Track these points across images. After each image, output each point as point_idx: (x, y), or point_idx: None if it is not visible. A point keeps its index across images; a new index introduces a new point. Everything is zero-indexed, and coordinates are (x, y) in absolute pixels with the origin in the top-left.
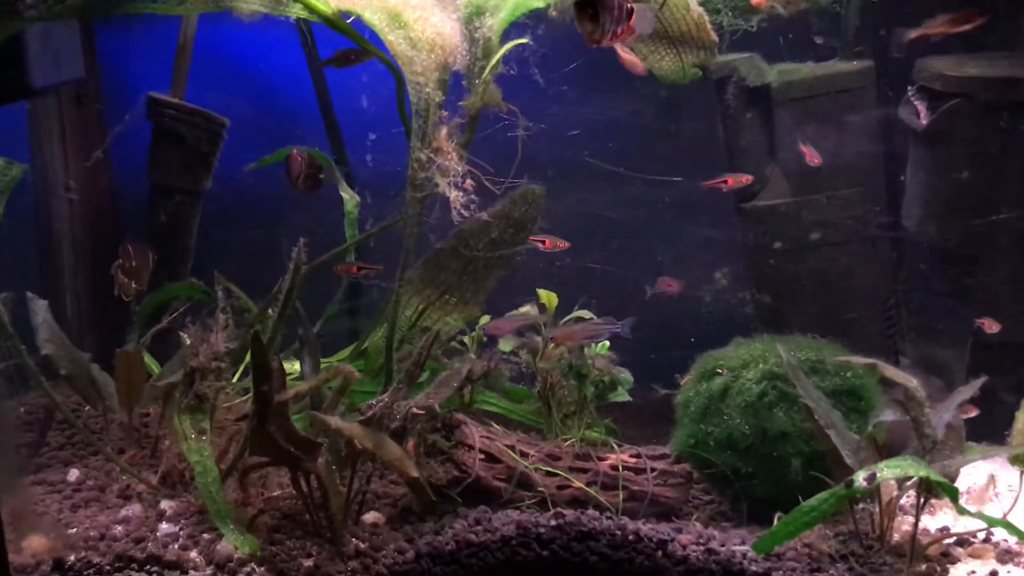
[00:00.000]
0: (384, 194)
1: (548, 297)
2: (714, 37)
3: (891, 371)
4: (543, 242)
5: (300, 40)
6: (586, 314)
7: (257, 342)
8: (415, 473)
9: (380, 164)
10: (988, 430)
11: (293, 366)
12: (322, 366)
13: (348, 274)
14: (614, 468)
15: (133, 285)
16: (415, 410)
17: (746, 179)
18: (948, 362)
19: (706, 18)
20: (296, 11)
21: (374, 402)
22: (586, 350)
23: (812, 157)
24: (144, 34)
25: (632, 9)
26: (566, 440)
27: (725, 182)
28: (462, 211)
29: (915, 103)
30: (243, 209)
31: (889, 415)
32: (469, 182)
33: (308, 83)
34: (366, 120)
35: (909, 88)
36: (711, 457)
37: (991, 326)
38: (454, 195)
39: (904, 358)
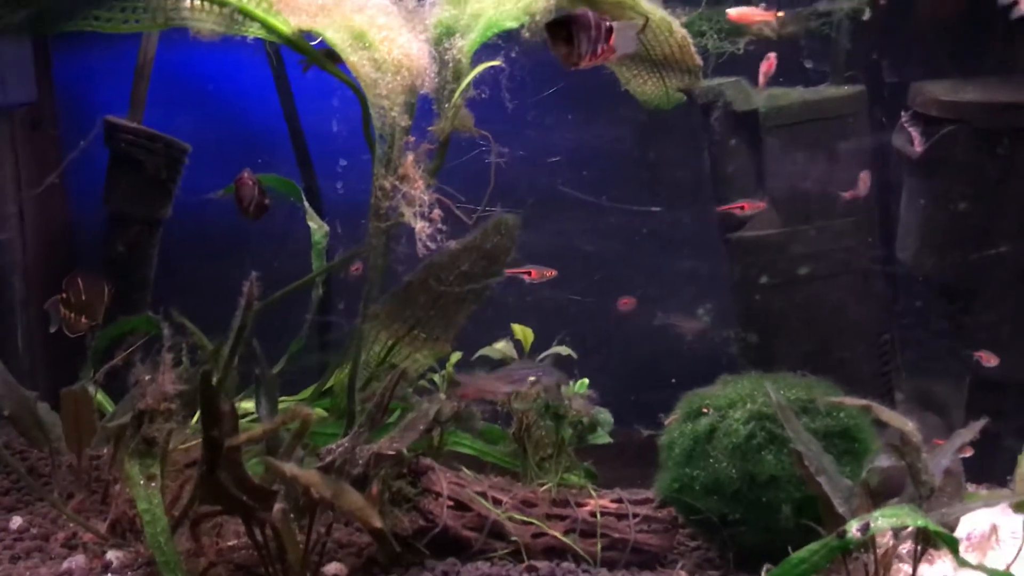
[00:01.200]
0: (355, 222)
1: (524, 333)
2: (698, 60)
3: (886, 413)
4: (528, 273)
5: (268, 61)
6: (564, 350)
7: (206, 383)
8: (378, 523)
9: (351, 191)
10: (988, 471)
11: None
12: (286, 404)
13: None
14: (594, 514)
15: (83, 320)
16: (381, 452)
17: (762, 205)
18: (945, 398)
19: (690, 40)
20: (254, 31)
21: (334, 447)
22: (564, 389)
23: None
24: (104, 56)
25: (611, 28)
26: (542, 485)
27: (741, 207)
28: (428, 243)
29: (909, 129)
30: (206, 238)
31: (884, 460)
32: (437, 212)
33: (277, 106)
34: (337, 145)
35: (903, 114)
36: (696, 503)
37: (988, 359)
38: (420, 226)
39: (899, 393)
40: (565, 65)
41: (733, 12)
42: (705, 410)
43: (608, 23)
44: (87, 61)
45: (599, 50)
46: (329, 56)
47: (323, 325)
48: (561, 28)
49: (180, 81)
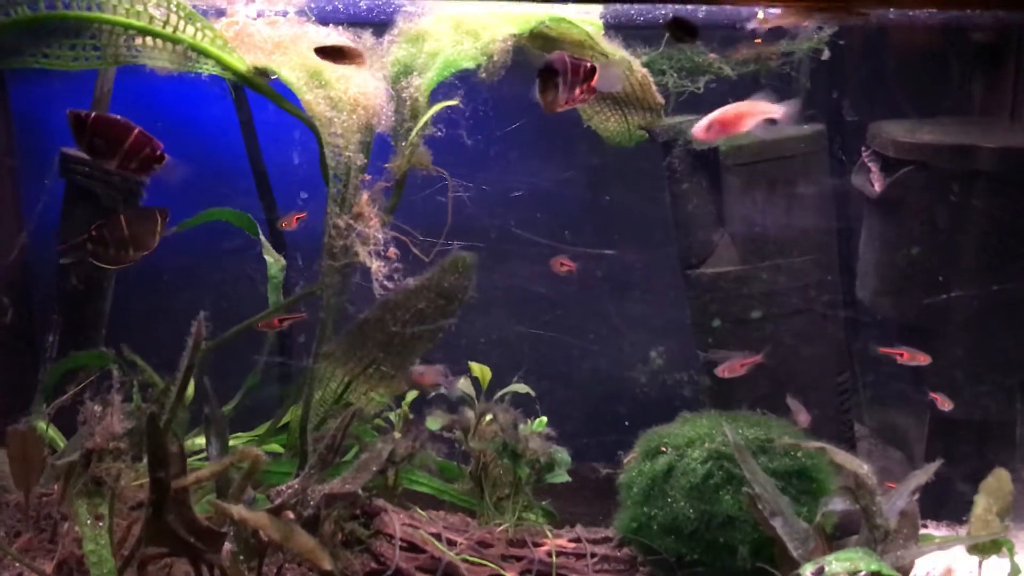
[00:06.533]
0: (316, 255)
1: (481, 371)
2: (659, 99)
3: (841, 456)
4: (901, 354)
5: (229, 91)
6: (522, 388)
7: (153, 424)
8: (328, 566)
9: (313, 223)
10: (943, 507)
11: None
12: (242, 440)
13: (272, 329)
14: (551, 555)
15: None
16: (332, 493)
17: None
18: (907, 432)
19: (650, 79)
20: (208, 68)
21: (284, 488)
22: (521, 428)
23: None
24: (62, 85)
25: (594, 68)
26: (499, 524)
27: (901, 354)
28: (385, 283)
29: (868, 169)
30: (166, 271)
31: (839, 504)
32: (393, 250)
33: (238, 137)
34: (298, 176)
35: (863, 152)
36: (654, 543)
37: (944, 403)
38: (375, 265)
39: (862, 427)
40: (548, 109)
41: None
42: (663, 449)
43: (589, 64)
44: (45, 90)
45: (577, 91)
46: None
47: (283, 357)
48: (553, 75)
49: (139, 111)
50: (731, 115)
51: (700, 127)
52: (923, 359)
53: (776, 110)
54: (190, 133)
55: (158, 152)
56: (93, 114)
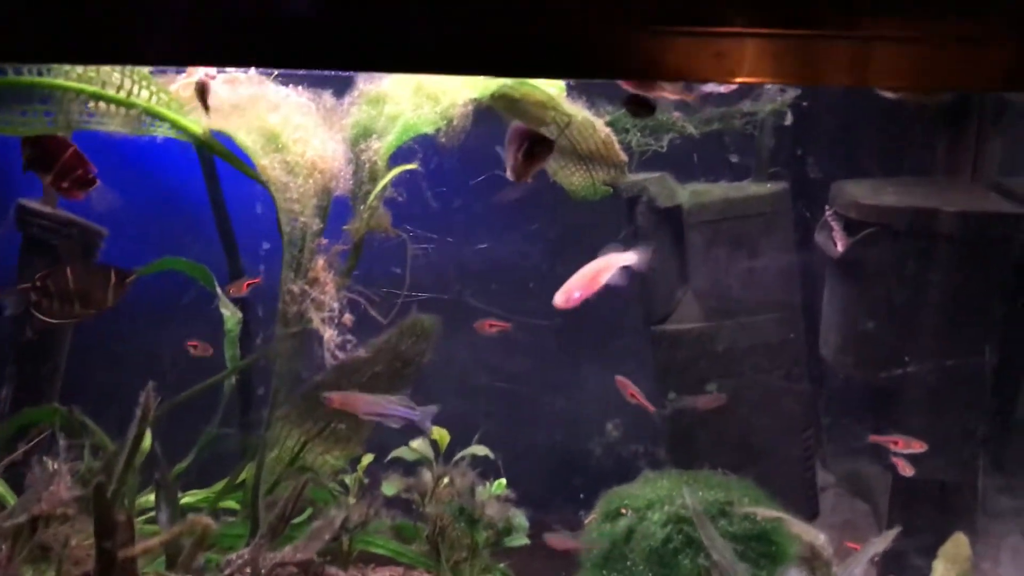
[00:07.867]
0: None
1: (439, 434)
2: (623, 156)
3: (797, 526)
4: (896, 442)
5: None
6: (481, 450)
7: (100, 494)
8: None
9: (275, 275)
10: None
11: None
12: (199, 497)
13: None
14: None
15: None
16: (283, 563)
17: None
18: (872, 483)
19: (613, 138)
20: (163, 131)
21: (234, 557)
22: (479, 491)
23: None
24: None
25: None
26: None
27: (896, 443)
28: (337, 353)
29: (831, 228)
30: (125, 323)
31: (794, 573)
32: (348, 317)
33: (201, 187)
34: (260, 228)
35: (827, 211)
36: None
37: (905, 469)
38: (328, 334)
39: (830, 475)
40: (521, 178)
41: None
42: (624, 511)
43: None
44: (5, 138)
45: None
46: None
47: (244, 408)
48: (542, 144)
49: (100, 159)
50: (588, 276)
51: (560, 298)
52: (918, 447)
53: (629, 258)
54: (152, 182)
55: (90, 175)
56: None
